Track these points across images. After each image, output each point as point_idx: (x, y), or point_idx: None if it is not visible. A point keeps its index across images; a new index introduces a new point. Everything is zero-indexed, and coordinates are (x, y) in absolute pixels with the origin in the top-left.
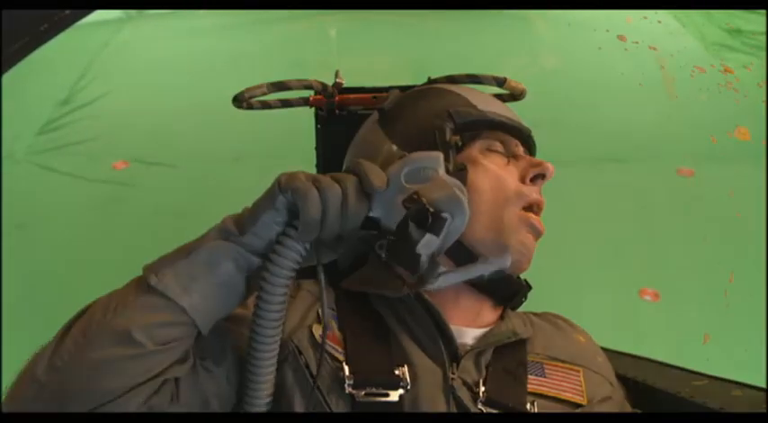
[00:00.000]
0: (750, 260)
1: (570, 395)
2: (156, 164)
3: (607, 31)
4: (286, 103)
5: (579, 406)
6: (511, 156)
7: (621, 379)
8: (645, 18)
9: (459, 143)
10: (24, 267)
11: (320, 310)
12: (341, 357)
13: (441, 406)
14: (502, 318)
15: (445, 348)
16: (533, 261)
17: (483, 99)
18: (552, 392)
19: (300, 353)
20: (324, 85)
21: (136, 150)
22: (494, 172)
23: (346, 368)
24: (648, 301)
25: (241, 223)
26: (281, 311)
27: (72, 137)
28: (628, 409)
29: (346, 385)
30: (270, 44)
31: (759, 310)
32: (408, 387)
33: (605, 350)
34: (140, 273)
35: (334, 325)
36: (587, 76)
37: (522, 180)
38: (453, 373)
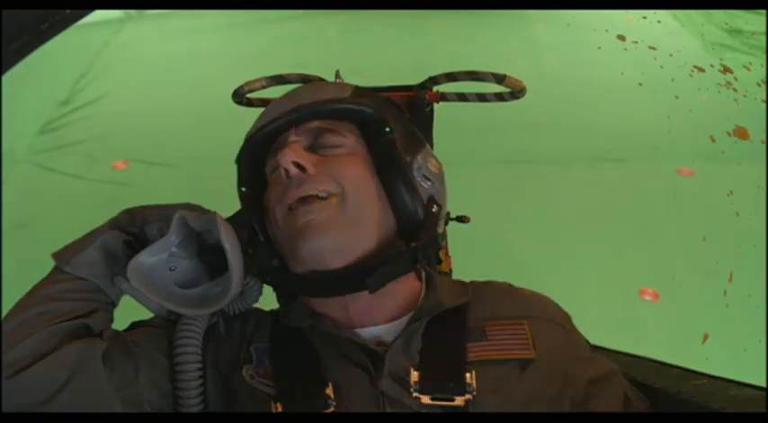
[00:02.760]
0: (750, 260)
1: (517, 352)
2: (156, 164)
3: (607, 31)
4: None
5: (529, 361)
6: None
7: None
8: (644, 18)
9: (244, 189)
10: (24, 267)
11: (252, 349)
12: (272, 392)
13: (372, 409)
14: (427, 297)
15: (364, 353)
16: (532, 261)
17: (257, 123)
18: (495, 355)
19: (235, 399)
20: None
21: (136, 150)
22: (270, 198)
23: (278, 405)
24: (648, 301)
25: (133, 221)
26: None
27: (72, 137)
28: (582, 347)
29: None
30: (270, 44)
31: (759, 310)
32: (334, 403)
33: (605, 350)
34: None
35: (266, 360)
36: (587, 76)
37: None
38: (380, 374)
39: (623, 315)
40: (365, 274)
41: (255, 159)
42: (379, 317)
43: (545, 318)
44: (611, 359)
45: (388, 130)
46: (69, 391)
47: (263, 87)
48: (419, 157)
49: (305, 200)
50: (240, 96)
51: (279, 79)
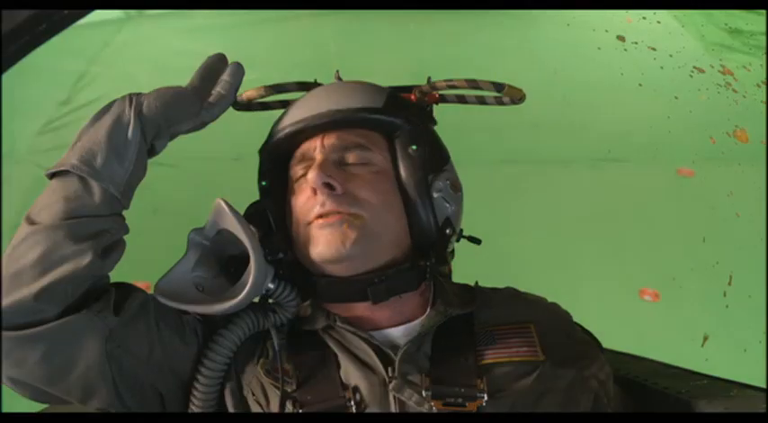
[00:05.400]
0: (750, 261)
1: (525, 355)
2: (156, 164)
3: (607, 31)
4: (285, 105)
5: (538, 363)
6: (308, 169)
7: (621, 379)
8: (644, 18)
9: (266, 184)
10: None
11: (269, 345)
12: (289, 390)
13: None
14: (434, 302)
15: (377, 356)
16: (532, 261)
17: (284, 118)
18: (505, 358)
19: (253, 394)
20: None
21: None
22: (291, 203)
23: (294, 404)
24: (648, 301)
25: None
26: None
27: (72, 137)
28: (587, 349)
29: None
30: (270, 44)
31: (759, 310)
32: (354, 406)
33: (606, 350)
34: (139, 274)
35: (283, 357)
36: (587, 76)
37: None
38: (391, 377)
39: (623, 315)
40: (369, 286)
41: (279, 154)
42: (390, 320)
43: (550, 321)
44: (612, 360)
45: (414, 147)
46: (74, 373)
47: (262, 96)
48: (442, 177)
49: (329, 214)
50: (237, 105)
51: (278, 88)
